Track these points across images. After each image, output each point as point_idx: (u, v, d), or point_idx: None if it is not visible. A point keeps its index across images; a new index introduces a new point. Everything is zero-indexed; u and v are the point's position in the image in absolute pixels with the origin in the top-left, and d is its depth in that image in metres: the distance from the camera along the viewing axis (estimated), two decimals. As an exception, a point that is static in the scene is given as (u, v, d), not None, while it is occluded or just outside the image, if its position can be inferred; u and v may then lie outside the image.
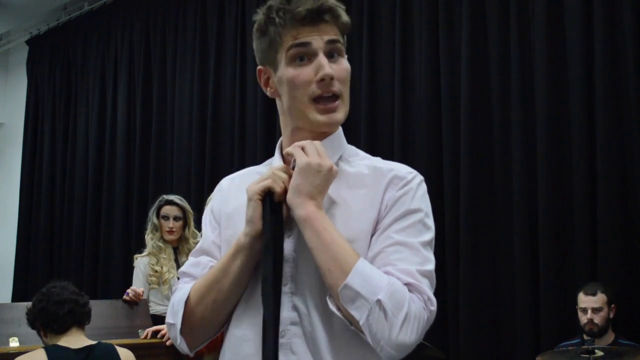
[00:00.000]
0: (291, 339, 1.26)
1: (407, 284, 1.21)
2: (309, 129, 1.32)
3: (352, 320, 1.20)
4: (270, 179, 1.25)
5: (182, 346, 1.34)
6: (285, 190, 1.26)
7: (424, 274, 1.24)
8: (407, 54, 4.71)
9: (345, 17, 1.32)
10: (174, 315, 1.31)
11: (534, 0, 4.15)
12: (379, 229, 1.27)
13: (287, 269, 1.28)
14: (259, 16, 1.33)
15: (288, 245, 1.29)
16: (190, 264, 1.38)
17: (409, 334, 1.18)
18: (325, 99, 1.29)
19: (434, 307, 1.22)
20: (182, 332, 1.31)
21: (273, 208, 1.23)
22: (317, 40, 1.28)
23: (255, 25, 1.34)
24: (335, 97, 1.30)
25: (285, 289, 1.27)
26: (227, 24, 6.05)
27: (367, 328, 1.17)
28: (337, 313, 1.21)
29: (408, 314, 1.18)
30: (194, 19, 6.32)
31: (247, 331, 1.29)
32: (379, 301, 1.17)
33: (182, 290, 1.33)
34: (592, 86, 3.90)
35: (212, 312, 1.29)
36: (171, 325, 1.33)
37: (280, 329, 1.25)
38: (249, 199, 1.25)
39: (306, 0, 1.28)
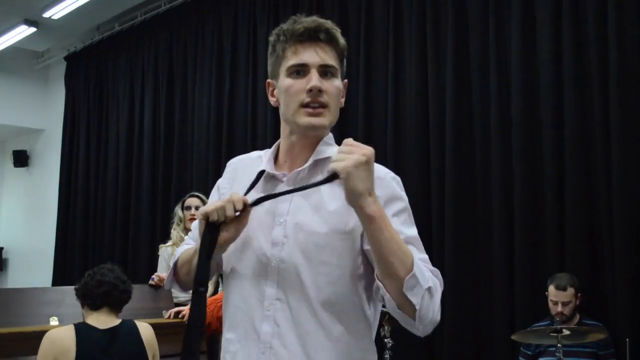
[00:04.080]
0: (276, 312, 1.32)
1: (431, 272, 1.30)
2: (299, 132, 1.39)
3: (401, 304, 1.24)
4: (213, 208, 1.28)
5: (175, 287, 1.55)
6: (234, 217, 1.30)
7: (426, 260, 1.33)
8: (399, 60, 4.80)
9: (341, 40, 1.40)
10: (171, 266, 1.54)
11: (510, 23, 4.22)
12: None
13: (275, 251, 1.34)
14: (271, 37, 1.43)
15: (278, 230, 1.35)
16: (193, 226, 1.51)
17: (439, 314, 1.28)
18: (312, 106, 1.35)
19: None
20: (174, 279, 1.54)
21: (210, 228, 1.30)
22: (313, 57, 1.35)
23: (269, 44, 1.45)
24: (323, 106, 1.35)
25: (274, 268, 1.34)
26: (239, 43, 6.17)
27: (419, 311, 1.23)
28: (388, 296, 1.25)
29: (438, 298, 1.28)
30: (212, 39, 6.44)
31: (238, 301, 1.38)
32: (429, 288, 1.24)
33: (179, 249, 1.52)
34: (561, 104, 3.95)
35: (188, 277, 1.47)
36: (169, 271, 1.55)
37: (266, 303, 1.33)
38: (198, 217, 1.33)
39: (307, 20, 1.37)
